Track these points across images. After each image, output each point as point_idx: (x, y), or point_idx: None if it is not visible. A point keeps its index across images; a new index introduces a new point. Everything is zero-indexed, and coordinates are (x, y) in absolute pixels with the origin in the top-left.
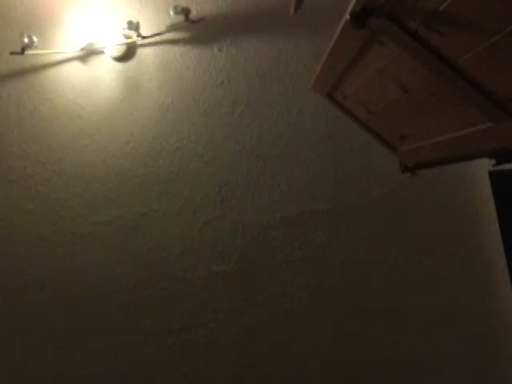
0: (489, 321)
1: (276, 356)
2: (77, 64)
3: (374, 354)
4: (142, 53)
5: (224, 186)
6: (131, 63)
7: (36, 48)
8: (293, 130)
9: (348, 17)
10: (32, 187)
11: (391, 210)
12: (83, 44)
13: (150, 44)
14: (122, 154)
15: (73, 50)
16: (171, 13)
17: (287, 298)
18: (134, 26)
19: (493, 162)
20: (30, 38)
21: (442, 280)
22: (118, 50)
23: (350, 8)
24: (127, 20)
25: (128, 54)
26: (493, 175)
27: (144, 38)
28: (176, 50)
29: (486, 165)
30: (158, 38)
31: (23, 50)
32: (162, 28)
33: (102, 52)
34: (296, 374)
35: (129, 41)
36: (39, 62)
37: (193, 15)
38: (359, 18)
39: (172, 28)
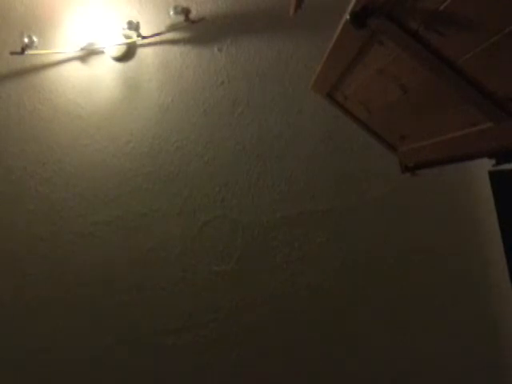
0: (489, 321)
1: (276, 356)
2: (77, 64)
3: (374, 354)
4: (141, 53)
5: (224, 186)
6: (131, 63)
7: (36, 48)
8: (293, 130)
9: (348, 17)
10: (32, 187)
11: (391, 209)
12: (83, 44)
13: (150, 44)
14: (121, 153)
15: (73, 50)
16: (171, 13)
17: (287, 298)
18: (134, 26)
19: (493, 162)
20: (30, 37)
21: (442, 280)
22: (118, 50)
23: (349, 8)
24: (127, 20)
25: (128, 54)
26: (493, 175)
27: (144, 37)
28: (176, 50)
29: (486, 165)
30: (157, 38)
31: (23, 49)
32: (162, 28)
33: (102, 52)
34: (296, 373)
35: (129, 41)
36: (39, 62)
37: (193, 15)
38: (359, 18)
39: (172, 28)
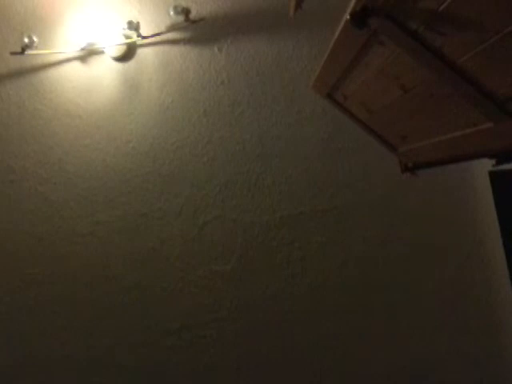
0: (489, 320)
1: (276, 356)
2: (77, 64)
3: (375, 354)
4: (141, 53)
5: (224, 186)
6: (131, 63)
7: (36, 48)
8: (293, 130)
9: (348, 17)
10: (32, 187)
11: (391, 209)
12: (83, 44)
13: (150, 44)
14: (121, 153)
15: (73, 49)
16: (171, 13)
17: (287, 298)
18: (134, 26)
19: (493, 162)
20: (30, 37)
21: (442, 280)
22: (118, 50)
23: (349, 8)
24: (127, 20)
25: (128, 54)
26: (493, 175)
27: (144, 37)
28: (176, 50)
29: (486, 165)
30: (158, 38)
31: (23, 50)
32: (162, 28)
33: (102, 52)
34: (296, 373)
35: (129, 41)
36: (39, 62)
37: (193, 15)
38: (359, 18)
39: (172, 28)
